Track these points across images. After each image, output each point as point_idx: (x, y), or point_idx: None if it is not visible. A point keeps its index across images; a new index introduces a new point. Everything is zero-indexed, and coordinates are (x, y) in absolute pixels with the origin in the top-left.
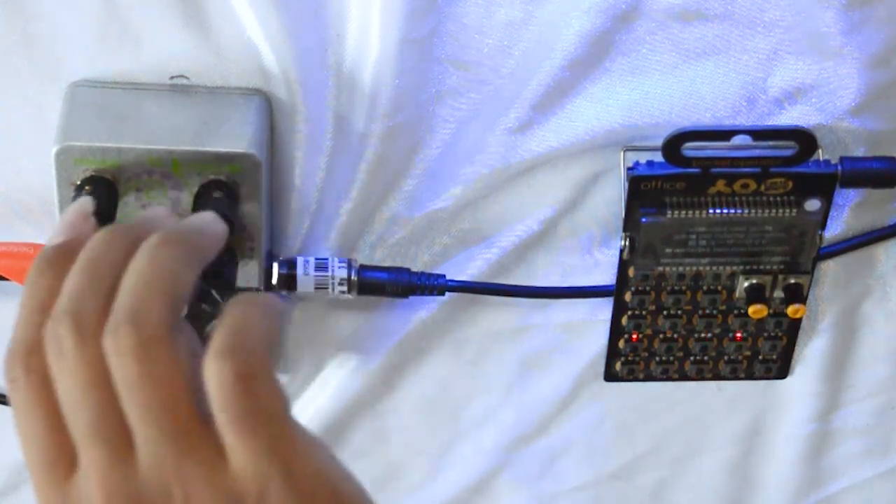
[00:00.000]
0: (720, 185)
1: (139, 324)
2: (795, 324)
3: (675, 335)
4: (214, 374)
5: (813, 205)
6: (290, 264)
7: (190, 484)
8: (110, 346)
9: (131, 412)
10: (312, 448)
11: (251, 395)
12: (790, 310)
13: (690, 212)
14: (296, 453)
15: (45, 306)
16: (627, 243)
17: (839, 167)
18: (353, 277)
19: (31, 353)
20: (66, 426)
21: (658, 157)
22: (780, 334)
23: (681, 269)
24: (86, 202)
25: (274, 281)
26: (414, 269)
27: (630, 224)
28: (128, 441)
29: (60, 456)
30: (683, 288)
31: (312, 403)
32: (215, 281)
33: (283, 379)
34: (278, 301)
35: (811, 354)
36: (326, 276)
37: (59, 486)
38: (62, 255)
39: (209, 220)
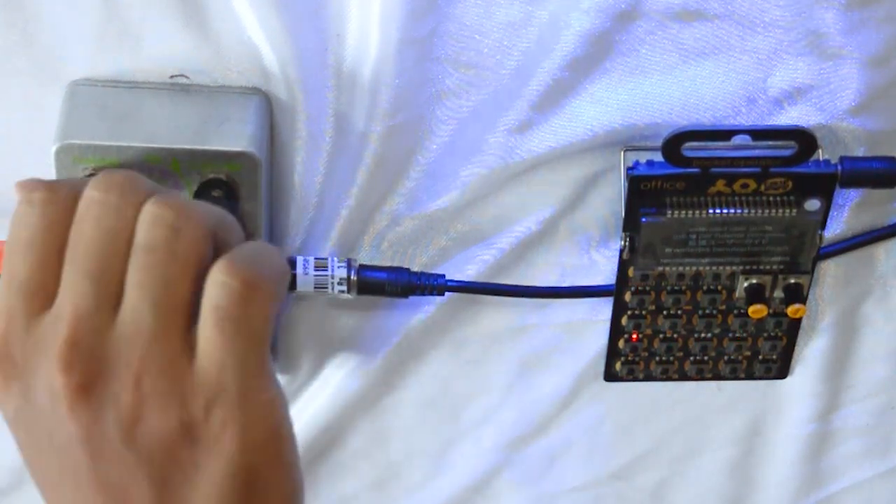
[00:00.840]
0: (720, 185)
1: (185, 205)
2: (795, 324)
3: (675, 335)
4: (223, 273)
5: (813, 205)
6: (289, 264)
7: (152, 362)
8: (152, 209)
9: (134, 275)
10: (272, 382)
11: (246, 305)
12: (790, 310)
13: (690, 212)
14: (258, 379)
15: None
16: (627, 243)
17: (839, 167)
18: (353, 277)
19: (61, 190)
20: (59, 266)
21: (658, 157)
22: (780, 334)
23: (681, 269)
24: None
25: None
26: (413, 269)
27: (630, 224)
28: (116, 301)
29: (42, 290)
30: (683, 288)
31: (312, 403)
32: None
33: (282, 379)
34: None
35: (811, 354)
36: (326, 275)
37: (28, 318)
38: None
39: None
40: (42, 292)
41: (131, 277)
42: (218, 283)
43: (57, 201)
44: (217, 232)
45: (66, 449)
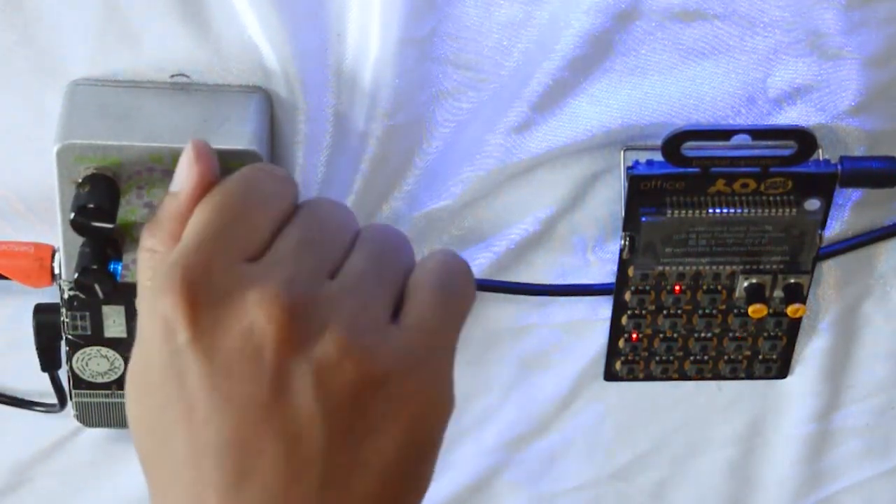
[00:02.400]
0: (720, 184)
1: (402, 234)
2: (795, 324)
3: (675, 335)
4: (449, 255)
5: (813, 204)
6: None
7: (363, 317)
8: (375, 224)
9: (360, 251)
10: (452, 374)
11: (466, 286)
12: (790, 310)
13: (690, 211)
14: (453, 355)
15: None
16: (627, 243)
17: (839, 167)
18: None
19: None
20: (273, 237)
21: (658, 156)
22: (780, 334)
23: (681, 268)
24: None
25: None
26: None
27: (630, 224)
28: (335, 269)
29: (256, 245)
30: (683, 287)
31: None
32: None
33: None
34: None
35: (811, 354)
36: None
37: (238, 255)
38: None
39: None
40: (256, 247)
41: (357, 253)
42: (439, 259)
43: (293, 185)
44: None
45: (245, 381)
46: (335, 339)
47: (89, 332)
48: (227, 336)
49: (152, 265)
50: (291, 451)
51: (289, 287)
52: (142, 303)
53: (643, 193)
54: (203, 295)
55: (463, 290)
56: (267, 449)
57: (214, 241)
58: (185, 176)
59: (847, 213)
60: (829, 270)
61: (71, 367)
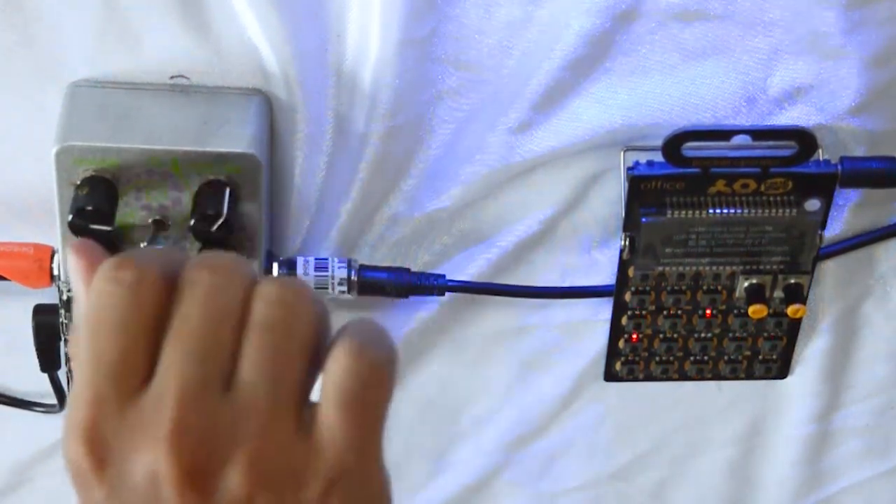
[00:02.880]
0: (720, 185)
1: (299, 285)
2: (795, 324)
3: (675, 335)
4: (348, 356)
5: (813, 205)
6: (290, 264)
7: (267, 442)
8: (268, 288)
9: (250, 354)
10: (385, 470)
11: (373, 392)
12: (790, 310)
13: (690, 212)
14: (376, 462)
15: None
16: (627, 243)
17: (839, 167)
18: (353, 277)
19: (151, 269)
20: (152, 348)
21: (658, 157)
22: (780, 334)
23: (681, 269)
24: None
25: None
26: (414, 269)
27: (630, 224)
28: (225, 381)
29: (134, 373)
30: (683, 288)
31: None
32: None
33: None
34: None
35: (811, 354)
36: (326, 276)
37: (121, 401)
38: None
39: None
40: (135, 375)
41: (247, 356)
42: (343, 366)
43: (149, 281)
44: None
45: None
46: (241, 476)
47: None
48: (135, 492)
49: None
50: None
51: (180, 433)
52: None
53: (643, 194)
54: (103, 452)
55: (374, 396)
56: None
57: (96, 386)
58: (75, 278)
59: (847, 213)
60: (829, 270)
61: (70, 368)
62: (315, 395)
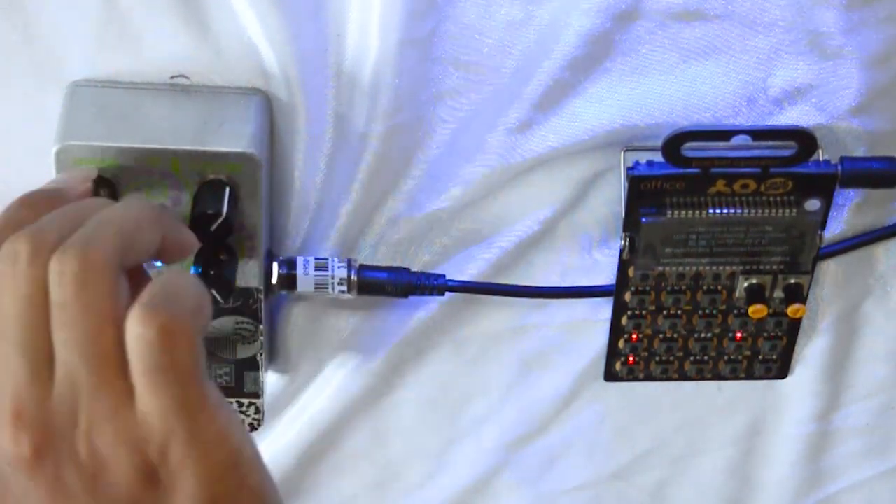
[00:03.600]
0: (720, 185)
1: (86, 252)
2: (795, 324)
3: (675, 335)
4: (137, 324)
5: (813, 205)
6: (290, 264)
7: (97, 415)
8: (55, 266)
9: (57, 334)
10: (219, 411)
11: (168, 352)
12: (790, 310)
13: (690, 212)
14: (202, 413)
15: (9, 231)
16: (627, 243)
17: (839, 167)
18: (353, 277)
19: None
20: None
21: (658, 157)
22: (780, 334)
23: (681, 269)
24: (90, 170)
25: (274, 281)
26: (414, 269)
27: (630, 224)
28: (50, 363)
29: None
30: (683, 288)
31: (312, 403)
32: (215, 281)
33: (282, 379)
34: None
35: (811, 354)
36: (326, 275)
37: None
38: (45, 199)
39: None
40: None
41: (56, 337)
42: (136, 336)
43: None
44: (127, 255)
45: None
46: (83, 449)
47: None
48: (2, 479)
49: None
50: None
51: (19, 422)
52: None
53: (643, 194)
54: None
55: (171, 357)
56: None
57: None
58: None
59: (847, 213)
60: (829, 270)
61: None
62: None
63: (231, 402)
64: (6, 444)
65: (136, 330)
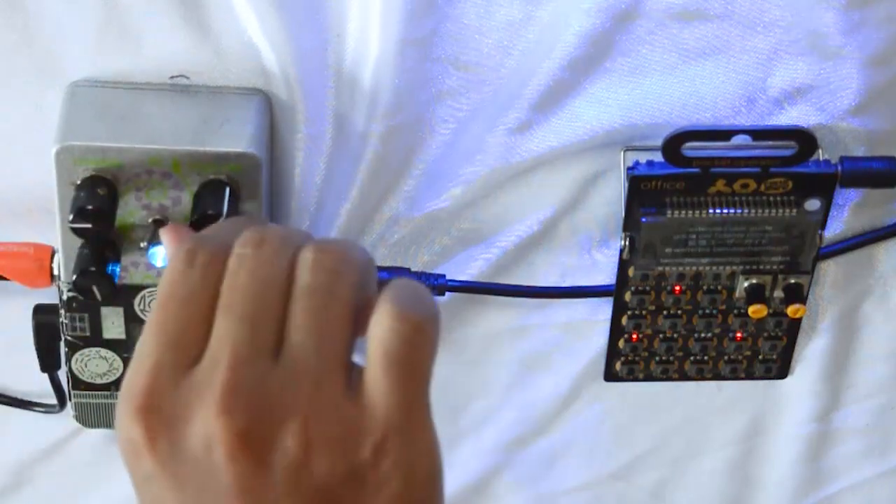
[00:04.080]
0: (720, 184)
1: (344, 249)
2: (795, 324)
3: (675, 335)
4: (391, 318)
5: (813, 205)
6: None
7: (318, 404)
8: (310, 255)
9: (296, 319)
10: (431, 422)
11: (416, 349)
12: (790, 310)
13: (690, 212)
14: (423, 419)
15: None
16: (627, 243)
17: (839, 167)
18: None
19: (219, 250)
20: (209, 322)
21: (658, 157)
22: (780, 334)
23: (681, 269)
24: None
25: None
26: (414, 268)
27: (630, 224)
28: (275, 346)
29: (193, 344)
30: (683, 288)
31: None
32: None
33: None
34: None
35: (811, 354)
36: None
37: (178, 371)
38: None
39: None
40: (194, 346)
41: (294, 321)
42: (386, 328)
43: (217, 262)
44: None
45: (218, 499)
46: (295, 438)
47: (88, 334)
48: (188, 461)
49: None
50: None
51: (232, 397)
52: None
53: (643, 194)
54: (156, 422)
55: (419, 353)
56: None
57: (155, 356)
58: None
59: (847, 213)
60: (829, 270)
61: (70, 368)
62: (359, 359)
63: None
64: (213, 418)
65: (389, 322)
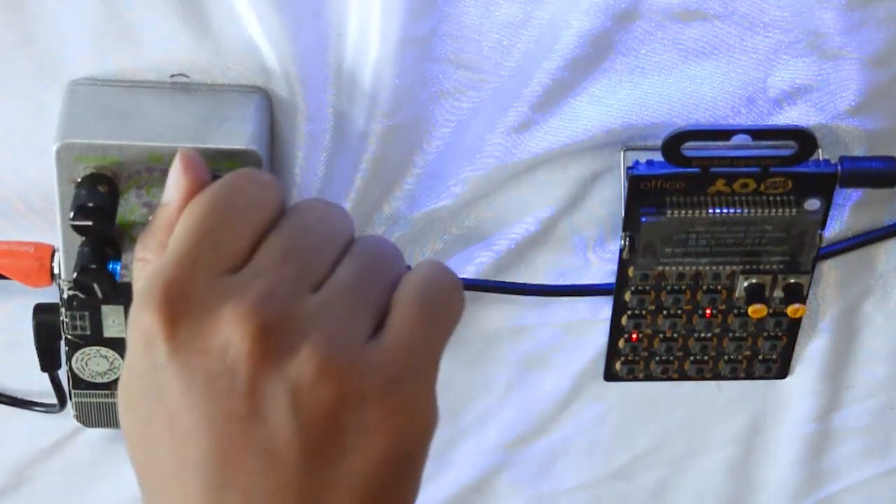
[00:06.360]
0: (720, 184)
1: (392, 244)
2: (795, 324)
3: (675, 335)
4: (435, 268)
5: (813, 204)
6: None
7: (343, 330)
8: (366, 236)
9: (346, 264)
10: (435, 391)
11: (451, 304)
12: (790, 310)
13: (690, 211)
14: (436, 371)
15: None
16: (627, 243)
17: (839, 167)
18: None
19: (281, 185)
20: (255, 247)
21: (658, 156)
22: (780, 334)
23: (681, 268)
24: None
25: None
26: None
27: (630, 224)
28: (315, 282)
29: (237, 255)
30: (683, 288)
31: None
32: None
33: None
34: None
35: (811, 354)
36: None
37: (215, 271)
38: None
39: None
40: (237, 257)
41: (341, 268)
42: (426, 272)
43: (279, 188)
44: None
45: (222, 398)
46: (311, 358)
47: (89, 332)
48: (204, 352)
49: (143, 275)
50: (269, 468)
51: (265, 303)
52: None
53: (643, 193)
54: (181, 309)
55: (448, 305)
56: (245, 464)
57: (194, 253)
58: (174, 186)
59: (847, 213)
60: (829, 270)
61: (70, 367)
62: None
63: None
64: (239, 317)
65: (429, 269)
